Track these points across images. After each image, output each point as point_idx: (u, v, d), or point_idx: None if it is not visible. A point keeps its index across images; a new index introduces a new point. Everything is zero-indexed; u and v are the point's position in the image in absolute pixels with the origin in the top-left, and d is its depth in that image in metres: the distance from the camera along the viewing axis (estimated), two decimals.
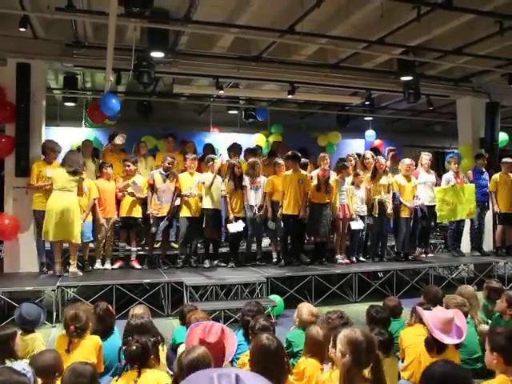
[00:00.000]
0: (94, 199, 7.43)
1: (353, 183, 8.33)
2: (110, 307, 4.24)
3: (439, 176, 9.25)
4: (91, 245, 7.70)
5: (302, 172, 7.96)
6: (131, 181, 7.66)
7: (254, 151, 9.92)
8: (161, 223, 7.59)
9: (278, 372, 2.81)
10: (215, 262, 7.95)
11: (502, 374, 2.84)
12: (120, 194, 7.63)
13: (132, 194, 7.60)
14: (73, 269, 6.90)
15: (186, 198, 7.63)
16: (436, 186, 8.88)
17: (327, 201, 7.98)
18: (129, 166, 7.72)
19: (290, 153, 8.07)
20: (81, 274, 6.97)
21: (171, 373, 3.74)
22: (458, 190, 8.64)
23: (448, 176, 8.90)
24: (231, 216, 7.90)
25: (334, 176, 8.33)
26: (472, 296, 4.75)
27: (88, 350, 3.60)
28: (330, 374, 2.96)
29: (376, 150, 10.48)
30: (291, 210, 7.76)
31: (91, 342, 3.71)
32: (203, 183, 7.70)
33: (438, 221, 8.99)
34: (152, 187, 7.65)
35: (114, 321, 4.17)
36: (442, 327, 3.51)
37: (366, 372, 2.66)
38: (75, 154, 7.50)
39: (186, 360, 2.65)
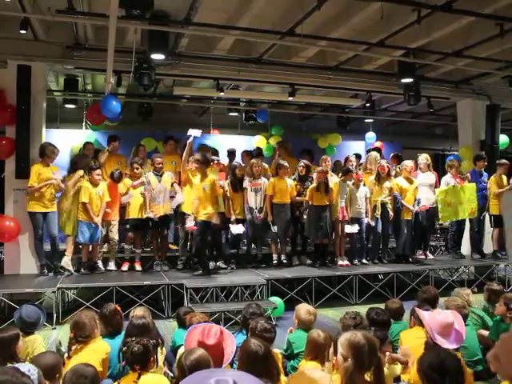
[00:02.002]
0: (107, 202, 7.53)
1: (353, 184, 8.34)
2: (118, 308, 4.21)
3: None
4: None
5: (210, 177, 7.31)
6: (146, 180, 7.75)
7: (250, 153, 9.97)
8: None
9: (266, 377, 2.80)
10: (218, 263, 7.95)
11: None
12: (124, 196, 7.67)
13: (143, 195, 7.66)
14: (66, 259, 7.20)
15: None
16: (436, 187, 8.86)
17: (326, 203, 7.97)
18: (137, 168, 7.83)
19: (198, 156, 7.43)
20: (71, 268, 7.23)
21: (171, 375, 3.74)
22: (459, 190, 8.60)
23: (447, 179, 8.89)
24: (233, 218, 7.91)
25: (335, 179, 8.34)
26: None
27: (92, 357, 3.51)
28: (331, 378, 2.94)
29: (379, 150, 10.49)
30: (204, 216, 7.15)
31: (96, 348, 3.65)
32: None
33: (440, 221, 8.96)
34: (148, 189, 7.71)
35: (121, 322, 4.13)
36: (441, 331, 3.50)
37: (367, 375, 2.65)
38: (78, 157, 7.61)
39: (187, 361, 2.65)
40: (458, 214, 8.70)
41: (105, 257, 7.79)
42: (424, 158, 8.73)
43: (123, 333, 4.08)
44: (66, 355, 3.68)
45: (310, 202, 8.00)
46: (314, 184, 7.99)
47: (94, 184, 7.40)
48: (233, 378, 1.18)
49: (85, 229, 7.27)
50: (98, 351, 3.63)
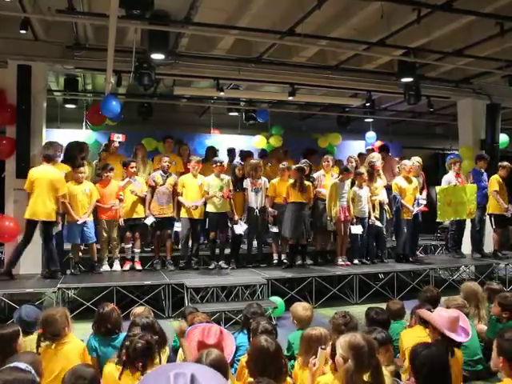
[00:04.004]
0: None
1: (353, 183, 8.34)
2: (116, 307, 4.18)
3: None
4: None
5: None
6: (132, 178, 7.78)
7: (250, 153, 10.01)
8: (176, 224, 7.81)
9: (276, 374, 2.82)
10: (219, 263, 7.95)
11: (509, 378, 2.84)
12: (121, 194, 7.66)
13: (135, 193, 7.67)
14: None
15: (188, 207, 7.63)
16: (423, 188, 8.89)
17: (304, 201, 7.84)
18: (132, 167, 7.81)
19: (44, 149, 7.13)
20: None
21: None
22: (460, 190, 8.59)
23: (448, 177, 8.89)
24: (236, 217, 7.92)
25: (335, 178, 8.34)
26: (477, 291, 4.79)
27: (70, 355, 3.48)
28: (333, 380, 2.93)
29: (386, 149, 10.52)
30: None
31: (72, 347, 3.60)
32: (207, 193, 7.73)
33: (438, 220, 8.95)
34: (153, 189, 7.70)
35: (119, 321, 4.09)
36: (449, 326, 3.51)
37: (365, 376, 2.66)
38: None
39: (208, 361, 2.68)
40: (457, 214, 8.67)
41: (108, 256, 7.79)
42: (417, 163, 8.73)
43: (123, 334, 4.06)
44: None
45: (288, 200, 7.88)
46: (291, 180, 7.94)
47: (78, 182, 7.37)
48: (191, 371, 1.20)
49: (73, 229, 7.24)
50: (75, 350, 3.57)
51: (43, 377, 3.09)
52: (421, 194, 8.60)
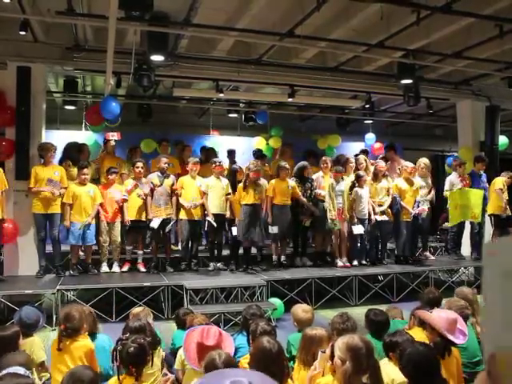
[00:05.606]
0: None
1: (354, 185, 8.34)
2: (92, 310, 4.16)
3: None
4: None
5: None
6: (144, 181, 7.74)
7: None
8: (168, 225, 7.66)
9: (278, 375, 2.81)
10: (218, 264, 7.95)
11: None
12: (125, 196, 7.62)
13: (142, 197, 7.62)
14: None
15: (188, 207, 7.61)
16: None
17: (256, 202, 7.62)
18: (138, 167, 7.77)
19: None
20: None
21: (172, 376, 3.73)
22: (467, 192, 8.66)
23: (452, 179, 8.90)
24: (236, 219, 7.89)
25: (333, 179, 8.34)
26: (471, 300, 4.76)
27: (77, 354, 3.46)
28: (333, 381, 2.92)
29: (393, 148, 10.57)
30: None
31: (82, 345, 3.56)
32: (204, 193, 7.71)
33: (450, 225, 9.08)
34: (152, 191, 7.68)
35: (95, 324, 4.06)
36: (448, 327, 3.50)
37: (364, 378, 2.65)
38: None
39: (221, 361, 2.71)
40: (462, 216, 8.75)
41: (108, 258, 7.77)
42: (423, 164, 8.75)
43: (101, 335, 4.04)
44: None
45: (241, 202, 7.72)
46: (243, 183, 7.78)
47: (82, 183, 7.37)
48: (248, 378, 1.18)
49: (75, 229, 7.23)
50: (83, 350, 3.54)
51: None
52: (429, 193, 8.74)
